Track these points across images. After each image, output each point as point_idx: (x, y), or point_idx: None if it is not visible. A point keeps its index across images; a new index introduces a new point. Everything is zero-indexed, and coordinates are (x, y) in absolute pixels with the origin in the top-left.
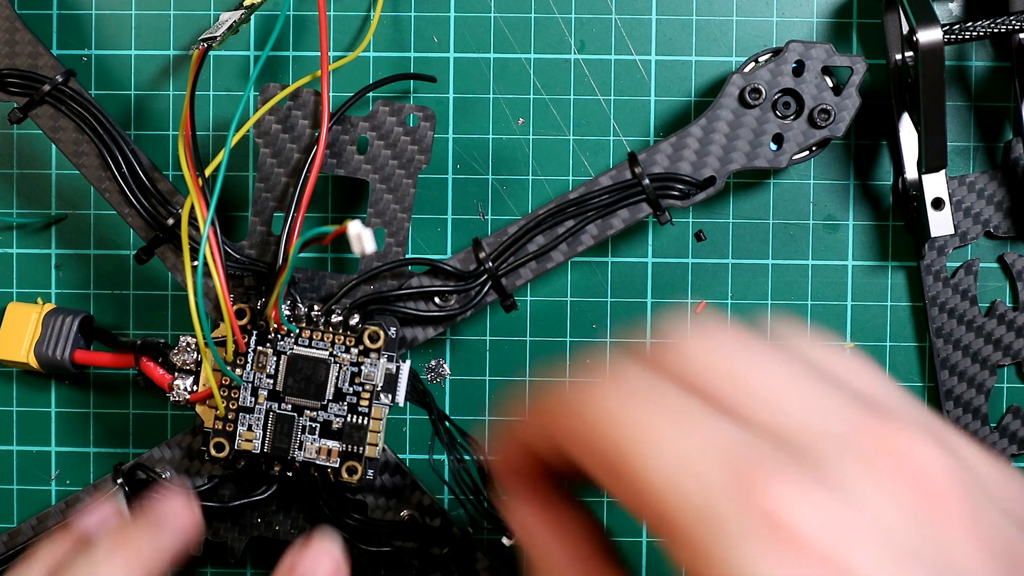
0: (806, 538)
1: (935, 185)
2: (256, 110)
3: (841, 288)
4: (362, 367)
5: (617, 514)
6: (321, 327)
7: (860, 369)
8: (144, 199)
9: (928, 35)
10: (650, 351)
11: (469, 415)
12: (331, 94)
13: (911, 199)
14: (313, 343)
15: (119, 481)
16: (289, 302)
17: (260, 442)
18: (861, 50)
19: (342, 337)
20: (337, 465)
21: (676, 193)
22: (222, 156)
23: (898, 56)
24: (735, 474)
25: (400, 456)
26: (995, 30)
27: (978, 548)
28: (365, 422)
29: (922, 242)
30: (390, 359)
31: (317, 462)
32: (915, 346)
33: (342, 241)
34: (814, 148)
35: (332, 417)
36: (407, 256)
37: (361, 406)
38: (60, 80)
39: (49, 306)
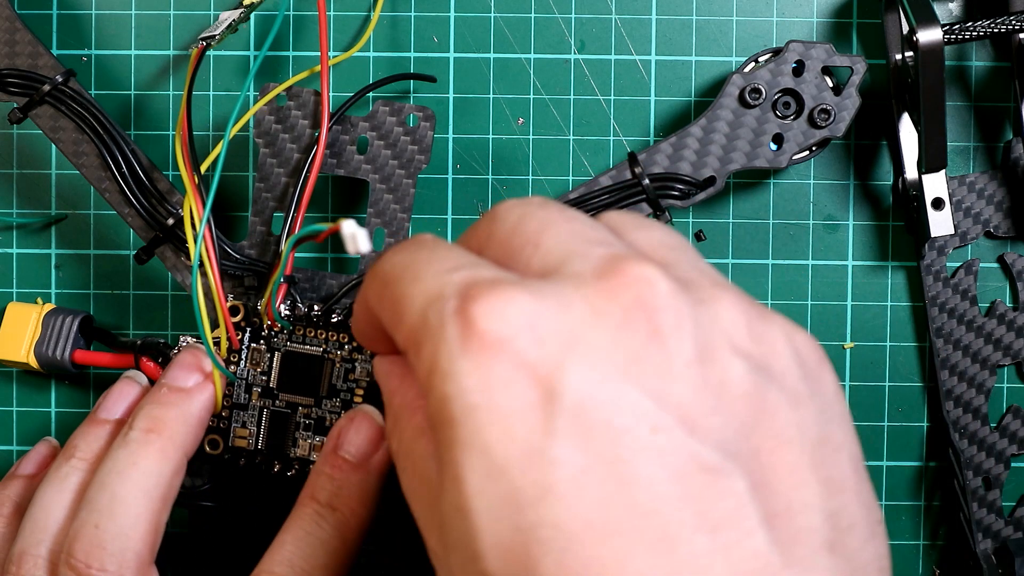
0: (503, 343)
1: (935, 185)
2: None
3: (841, 288)
4: (356, 364)
5: None
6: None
7: (658, 235)
8: (144, 199)
9: (928, 35)
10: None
11: None
12: (331, 94)
13: (911, 199)
14: (307, 340)
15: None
16: (289, 302)
17: (255, 439)
18: (861, 50)
19: (336, 334)
20: None
21: (676, 193)
22: (219, 151)
23: (898, 56)
24: (459, 292)
25: None
26: (995, 30)
27: (692, 378)
28: None
29: (922, 242)
30: None
31: (311, 459)
32: (915, 346)
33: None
34: (814, 148)
35: (326, 414)
36: None
37: (355, 403)
38: (60, 80)
39: (49, 306)
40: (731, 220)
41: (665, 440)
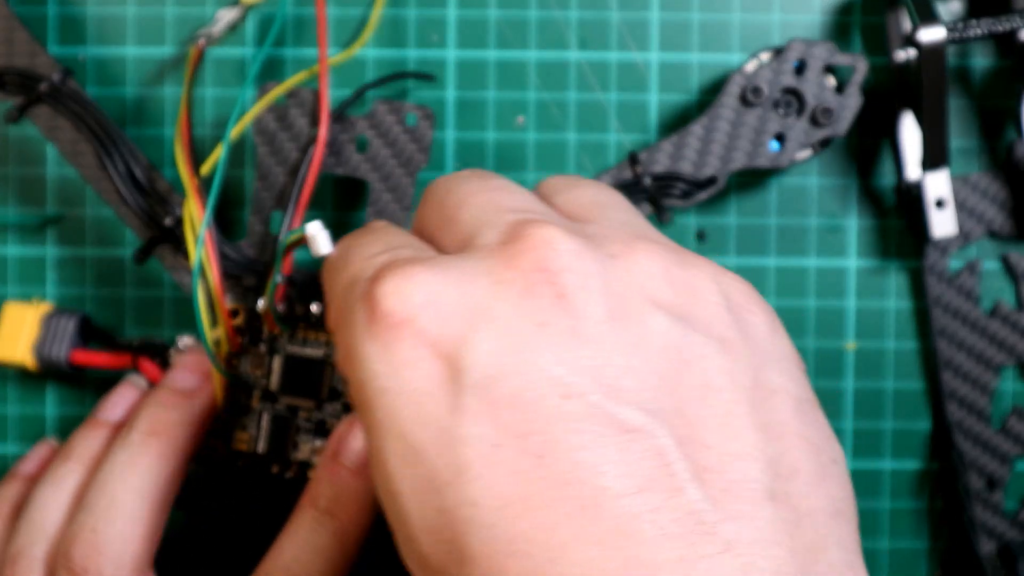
0: (405, 323)
1: (938, 185)
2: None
3: (843, 288)
4: None
5: None
6: (322, 329)
7: (586, 193)
8: (142, 199)
9: (930, 34)
10: None
11: None
12: (330, 93)
13: (913, 199)
14: (308, 343)
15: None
16: (288, 303)
17: (255, 442)
18: (863, 49)
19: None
20: None
21: (677, 192)
22: (219, 154)
23: (900, 55)
24: (370, 276)
25: None
26: (998, 29)
27: (603, 338)
28: None
29: (924, 242)
30: None
31: (312, 462)
32: (918, 347)
33: None
34: (816, 147)
35: (327, 417)
36: None
37: None
38: (58, 79)
39: (47, 306)
40: (732, 220)
41: (578, 405)
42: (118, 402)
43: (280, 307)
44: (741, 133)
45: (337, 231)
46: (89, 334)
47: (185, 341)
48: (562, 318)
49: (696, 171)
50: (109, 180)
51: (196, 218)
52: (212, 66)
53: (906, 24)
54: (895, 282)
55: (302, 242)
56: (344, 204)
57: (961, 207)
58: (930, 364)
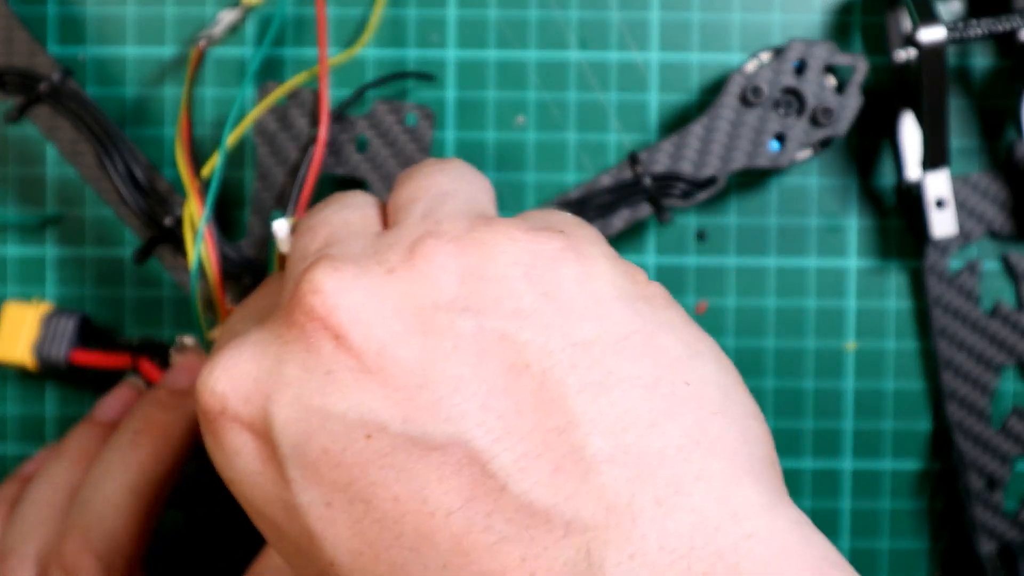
0: (220, 414)
1: (938, 185)
2: (254, 109)
3: (843, 288)
4: None
5: None
6: None
7: (413, 186)
8: (142, 199)
9: (930, 34)
10: None
11: None
12: (330, 93)
13: (914, 199)
14: None
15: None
16: None
17: None
18: (864, 49)
19: None
20: None
21: (677, 193)
22: (218, 156)
23: (901, 55)
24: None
25: None
26: (998, 29)
27: (388, 364)
28: None
29: (925, 242)
30: None
31: None
32: (918, 347)
33: None
34: (816, 147)
35: None
36: None
37: None
38: (58, 79)
39: (46, 306)
40: (732, 220)
41: (382, 441)
42: (115, 403)
43: None
44: (741, 133)
45: None
46: (89, 334)
47: (185, 341)
48: (345, 359)
49: (696, 171)
50: (109, 180)
51: (197, 218)
52: (212, 66)
53: (906, 24)
54: (895, 282)
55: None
56: None
57: (961, 207)
58: (930, 364)
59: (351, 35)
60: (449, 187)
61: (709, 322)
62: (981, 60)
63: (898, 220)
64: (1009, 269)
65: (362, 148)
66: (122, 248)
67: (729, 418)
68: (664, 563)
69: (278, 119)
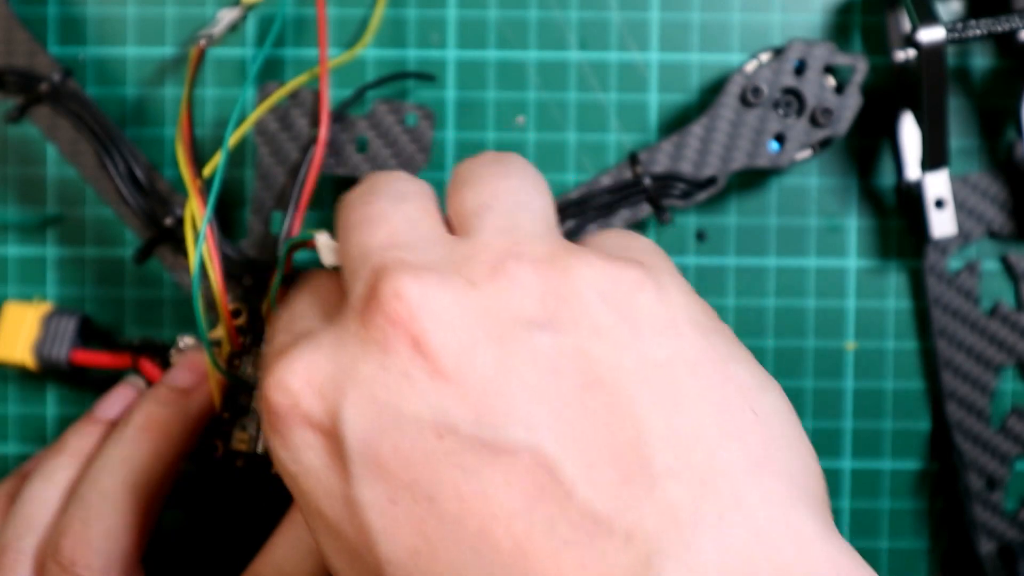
0: (291, 410)
1: (937, 185)
2: (255, 109)
3: (843, 288)
4: None
5: None
6: None
7: (476, 192)
8: (142, 199)
9: (930, 34)
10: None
11: None
12: (330, 93)
13: (914, 199)
14: None
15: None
16: None
17: (254, 443)
18: (864, 49)
19: None
20: None
21: (677, 193)
22: (220, 156)
23: (900, 55)
24: (265, 364)
25: None
26: (998, 29)
27: (464, 371)
28: None
29: (924, 242)
30: None
31: None
32: (918, 347)
33: None
34: (816, 147)
35: None
36: None
37: None
38: (58, 79)
39: (47, 306)
40: (732, 220)
41: (453, 441)
42: (115, 401)
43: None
44: (741, 133)
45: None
46: (89, 334)
47: (185, 341)
48: (422, 363)
49: (696, 171)
50: (109, 180)
51: (198, 218)
52: (212, 66)
53: (906, 24)
54: (895, 282)
55: (304, 246)
56: None
57: (961, 207)
58: (930, 364)
59: (351, 35)
60: (520, 196)
61: None
62: (981, 60)
63: (898, 220)
64: (1009, 269)
65: (362, 148)
66: (122, 248)
67: (792, 450)
68: None
69: (279, 119)
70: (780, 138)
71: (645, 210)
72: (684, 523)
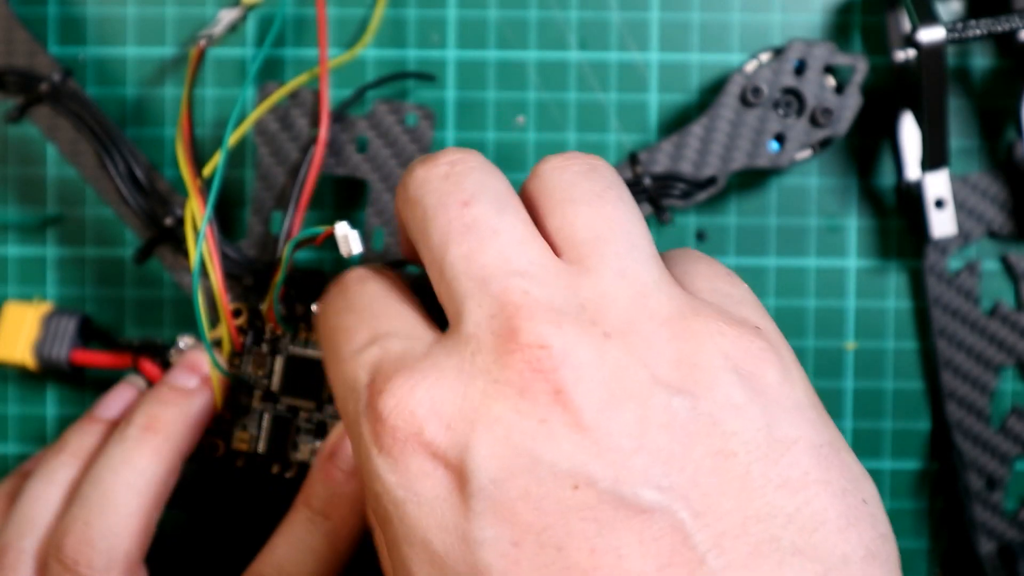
0: (413, 436)
1: (937, 185)
2: (255, 109)
3: (843, 288)
4: None
5: None
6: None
7: (583, 221)
8: (142, 199)
9: (930, 34)
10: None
11: None
12: (330, 93)
13: (914, 199)
14: (310, 344)
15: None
16: (288, 303)
17: (255, 442)
18: (864, 49)
19: None
20: None
21: (677, 193)
22: (220, 156)
23: (900, 55)
24: (367, 384)
25: None
26: (998, 29)
27: (605, 425)
28: None
29: (924, 242)
30: None
31: (312, 463)
32: (918, 347)
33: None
34: (816, 148)
35: (327, 418)
36: None
37: None
38: (58, 79)
39: (47, 306)
40: (732, 220)
41: (589, 494)
42: (115, 400)
43: (281, 308)
44: (741, 133)
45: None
46: (89, 334)
47: (186, 341)
48: (561, 413)
49: (696, 171)
50: (109, 180)
51: (198, 218)
52: (212, 66)
53: (906, 24)
54: (895, 282)
55: (306, 244)
56: (344, 204)
57: (961, 207)
58: (930, 364)
59: (351, 35)
60: (630, 228)
61: None
62: (981, 60)
63: (898, 220)
64: (1009, 269)
65: (362, 148)
66: (122, 248)
67: (892, 543)
68: None
69: (279, 119)
70: (780, 138)
71: (645, 210)
72: None
